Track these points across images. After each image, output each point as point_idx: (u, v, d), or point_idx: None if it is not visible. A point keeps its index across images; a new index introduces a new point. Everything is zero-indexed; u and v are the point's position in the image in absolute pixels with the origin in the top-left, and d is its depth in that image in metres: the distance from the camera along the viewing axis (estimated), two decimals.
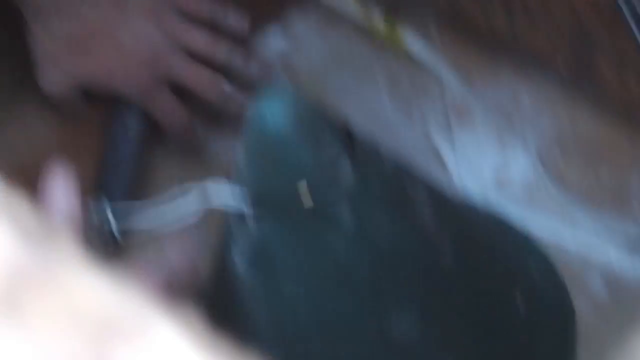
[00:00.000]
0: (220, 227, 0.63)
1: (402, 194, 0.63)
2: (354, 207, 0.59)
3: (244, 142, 0.58)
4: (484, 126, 0.83)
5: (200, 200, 0.59)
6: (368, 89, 0.84)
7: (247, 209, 0.58)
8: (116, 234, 0.66)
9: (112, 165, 0.78)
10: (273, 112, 0.56)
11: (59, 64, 0.77)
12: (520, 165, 0.81)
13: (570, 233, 0.77)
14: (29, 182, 0.46)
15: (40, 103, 0.80)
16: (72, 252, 0.25)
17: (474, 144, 0.82)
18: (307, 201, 0.58)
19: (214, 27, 0.79)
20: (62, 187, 0.56)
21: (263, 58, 0.82)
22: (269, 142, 0.57)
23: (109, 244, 0.69)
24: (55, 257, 0.25)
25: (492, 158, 0.81)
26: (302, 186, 0.58)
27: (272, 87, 0.75)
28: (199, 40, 0.78)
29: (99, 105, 0.80)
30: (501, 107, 0.82)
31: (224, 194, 0.58)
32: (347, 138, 0.60)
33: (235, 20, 0.79)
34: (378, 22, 0.85)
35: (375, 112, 0.83)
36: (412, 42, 0.84)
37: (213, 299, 0.71)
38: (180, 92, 0.78)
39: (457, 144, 0.82)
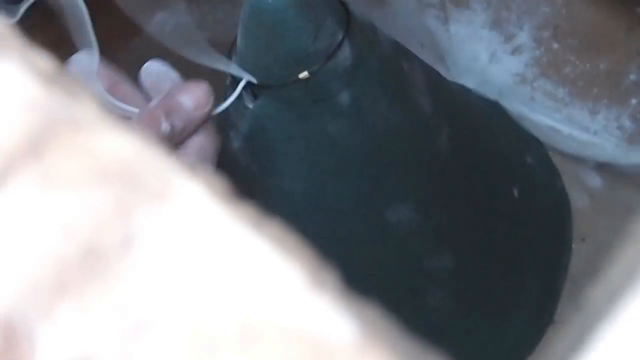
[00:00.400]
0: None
1: (399, 76, 0.62)
2: (352, 89, 0.58)
3: (241, 16, 0.56)
4: (480, 12, 0.81)
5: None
6: None
7: (244, 84, 0.57)
8: None
9: None
10: None
11: None
12: (515, 54, 0.80)
13: (565, 123, 0.77)
14: None
15: None
16: (96, 107, 0.24)
17: (470, 30, 0.81)
18: (305, 77, 0.57)
19: None
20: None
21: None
22: (267, 17, 0.55)
23: None
24: (78, 110, 0.24)
25: (487, 45, 0.80)
26: (300, 66, 0.57)
27: None
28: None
29: None
30: None
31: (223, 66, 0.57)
32: (345, 18, 0.58)
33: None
34: None
35: None
36: None
37: None
38: None
39: (452, 30, 0.81)
